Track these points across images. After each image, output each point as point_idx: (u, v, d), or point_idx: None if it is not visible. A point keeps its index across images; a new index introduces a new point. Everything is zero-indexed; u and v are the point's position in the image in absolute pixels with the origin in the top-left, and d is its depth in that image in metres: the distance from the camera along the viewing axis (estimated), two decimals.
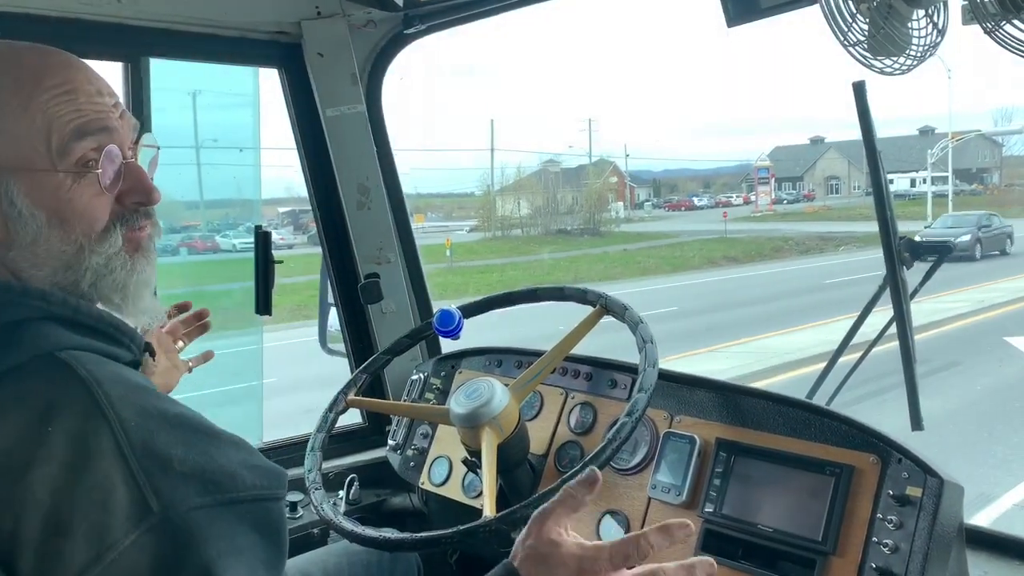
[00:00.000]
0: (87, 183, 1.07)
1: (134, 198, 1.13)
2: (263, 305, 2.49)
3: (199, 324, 1.92)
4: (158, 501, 0.92)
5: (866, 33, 1.50)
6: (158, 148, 1.21)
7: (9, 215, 1.05)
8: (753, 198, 56.81)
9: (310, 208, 2.72)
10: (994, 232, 27.40)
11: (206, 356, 1.92)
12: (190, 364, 1.86)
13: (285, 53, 2.55)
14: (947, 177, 43.44)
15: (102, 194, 1.09)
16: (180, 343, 1.87)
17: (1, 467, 0.93)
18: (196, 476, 0.96)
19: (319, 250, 2.76)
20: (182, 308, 1.89)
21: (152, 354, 1.25)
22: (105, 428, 0.94)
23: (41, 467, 0.92)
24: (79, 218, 1.07)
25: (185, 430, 0.99)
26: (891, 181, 2.13)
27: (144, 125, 1.47)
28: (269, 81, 2.70)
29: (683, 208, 59.93)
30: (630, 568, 1.10)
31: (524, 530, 1.14)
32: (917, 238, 1.94)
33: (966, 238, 24.62)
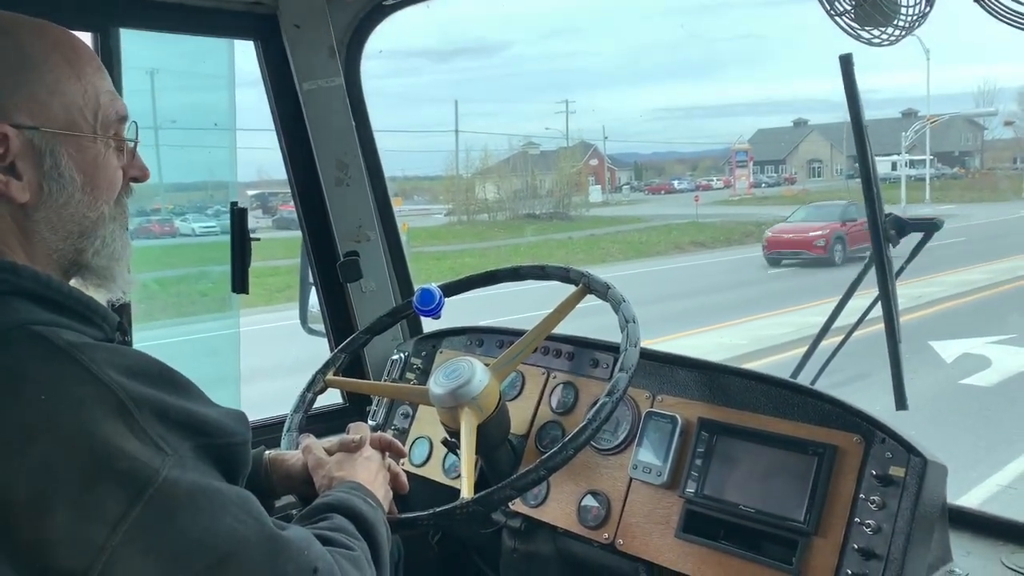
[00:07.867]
0: (112, 155, 1.17)
1: (131, 173, 1.23)
2: (239, 284, 2.44)
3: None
4: (168, 445, 0.99)
5: (853, 3, 1.47)
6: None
7: (50, 176, 1.11)
8: (733, 181, 56.74)
9: (278, 191, 2.67)
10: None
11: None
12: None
13: (261, 24, 2.48)
14: (926, 160, 43.45)
15: (119, 167, 1.19)
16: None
17: None
18: (187, 424, 1.03)
19: (283, 234, 2.71)
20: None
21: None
22: (103, 390, 0.97)
23: (46, 436, 0.94)
24: (107, 186, 1.17)
25: (168, 384, 1.05)
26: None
27: None
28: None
29: (663, 191, 59.47)
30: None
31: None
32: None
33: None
